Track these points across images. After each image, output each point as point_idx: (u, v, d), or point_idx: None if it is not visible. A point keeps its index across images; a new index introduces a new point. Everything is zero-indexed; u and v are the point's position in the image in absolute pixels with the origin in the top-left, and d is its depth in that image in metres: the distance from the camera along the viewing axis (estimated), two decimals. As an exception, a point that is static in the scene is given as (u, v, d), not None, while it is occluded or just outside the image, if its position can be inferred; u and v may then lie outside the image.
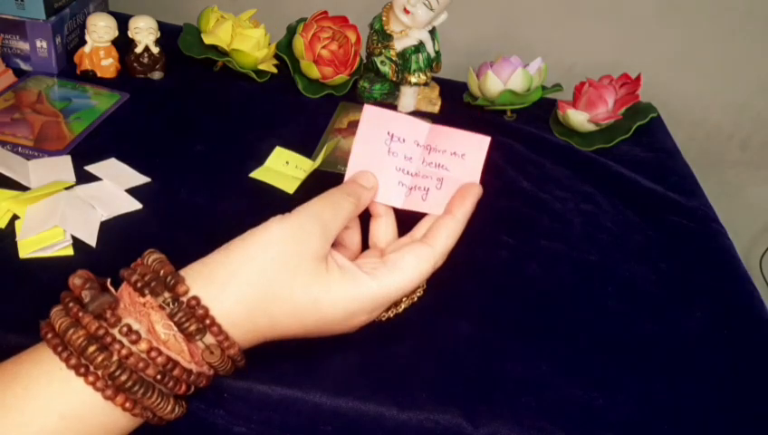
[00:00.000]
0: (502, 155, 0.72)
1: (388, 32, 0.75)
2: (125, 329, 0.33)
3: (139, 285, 0.34)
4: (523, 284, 0.54)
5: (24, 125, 0.63)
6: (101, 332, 0.33)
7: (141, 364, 0.33)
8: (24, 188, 0.54)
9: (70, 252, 0.48)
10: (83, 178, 0.56)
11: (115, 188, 0.56)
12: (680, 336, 0.51)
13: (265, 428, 0.40)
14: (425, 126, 0.43)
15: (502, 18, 0.98)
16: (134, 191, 0.56)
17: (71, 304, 0.34)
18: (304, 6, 0.82)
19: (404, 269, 0.39)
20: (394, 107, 0.79)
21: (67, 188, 0.54)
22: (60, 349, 0.32)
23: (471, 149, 0.43)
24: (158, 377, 0.33)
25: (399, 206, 0.43)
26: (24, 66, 0.73)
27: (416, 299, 0.45)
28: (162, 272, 0.35)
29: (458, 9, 0.76)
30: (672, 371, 0.48)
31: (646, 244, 0.62)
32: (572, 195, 0.68)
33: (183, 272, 0.36)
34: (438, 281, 0.48)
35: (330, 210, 0.39)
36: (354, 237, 0.44)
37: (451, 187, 0.43)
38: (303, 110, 0.75)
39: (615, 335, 0.50)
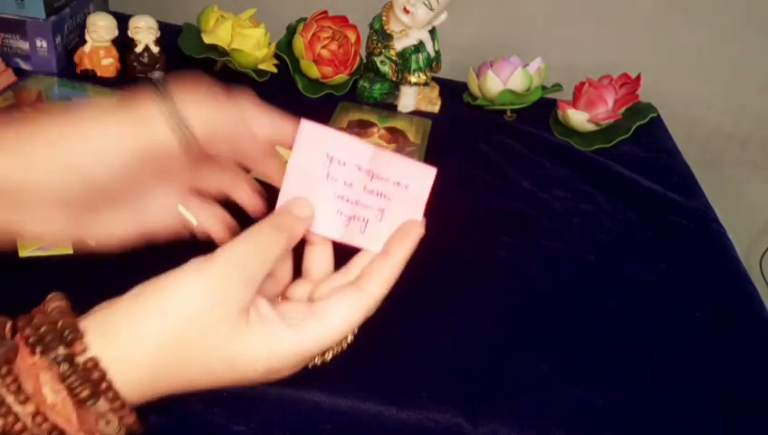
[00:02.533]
0: (502, 155, 0.72)
1: (388, 32, 0.75)
2: (14, 387, 0.29)
3: (30, 340, 0.30)
4: (522, 284, 0.54)
5: (23, 125, 0.63)
6: None
7: (24, 431, 0.28)
8: (23, 188, 0.54)
9: (69, 251, 0.48)
10: (83, 177, 0.56)
11: (115, 188, 0.56)
12: (680, 336, 0.51)
13: (265, 427, 0.40)
14: (368, 149, 0.38)
15: (502, 18, 0.98)
16: (134, 191, 0.56)
17: None
18: (304, 6, 0.82)
19: (332, 321, 0.35)
20: (394, 107, 0.79)
21: (67, 188, 0.54)
22: None
23: (415, 181, 0.38)
24: None
25: (337, 238, 0.39)
26: (23, 66, 0.73)
27: (344, 347, 0.41)
28: (60, 324, 0.30)
29: (458, 9, 0.76)
30: (672, 371, 0.48)
31: (646, 244, 0.62)
32: (572, 195, 0.68)
33: (85, 322, 0.31)
34: (438, 281, 0.48)
35: (256, 254, 0.34)
36: (284, 268, 0.40)
37: (392, 220, 0.39)
38: (303, 109, 0.75)
39: (615, 335, 0.50)
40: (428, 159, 0.69)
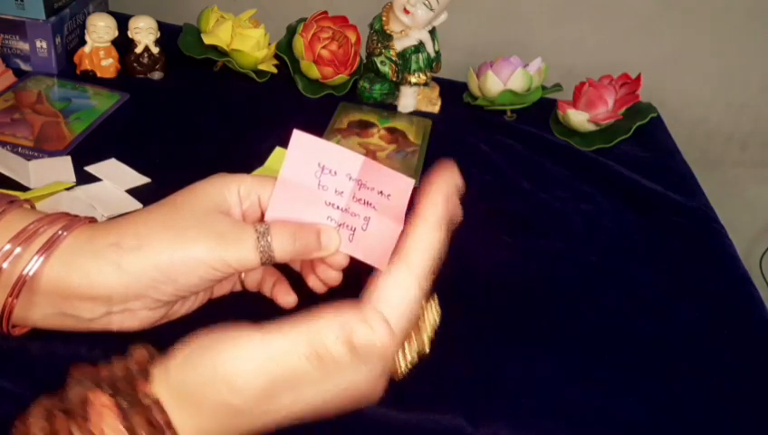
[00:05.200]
0: (502, 155, 0.72)
1: (388, 32, 0.76)
2: (83, 425, 0.29)
3: (104, 382, 0.31)
4: (523, 284, 0.54)
5: (23, 125, 0.63)
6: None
7: None
8: (24, 189, 0.54)
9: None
10: (83, 178, 0.56)
11: (115, 189, 0.56)
12: (680, 336, 0.51)
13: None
14: (358, 159, 0.39)
15: (502, 18, 0.98)
16: (134, 191, 0.56)
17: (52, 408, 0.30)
18: (304, 6, 0.82)
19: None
20: (394, 107, 0.79)
21: (67, 189, 0.54)
22: None
23: (396, 191, 0.40)
24: None
25: None
26: (23, 66, 0.73)
27: (422, 350, 0.38)
28: (134, 367, 0.32)
29: (458, 9, 0.76)
30: (672, 370, 0.48)
31: (646, 244, 0.62)
32: (572, 195, 0.68)
33: (156, 367, 0.32)
34: (438, 281, 0.48)
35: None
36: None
37: (375, 229, 0.39)
38: (303, 110, 0.75)
39: (615, 335, 0.50)
40: (428, 159, 0.69)
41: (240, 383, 0.31)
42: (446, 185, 0.36)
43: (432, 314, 0.38)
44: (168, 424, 0.30)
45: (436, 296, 0.38)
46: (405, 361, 0.37)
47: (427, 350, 0.37)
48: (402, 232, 0.37)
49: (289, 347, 0.31)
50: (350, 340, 0.32)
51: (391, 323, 0.33)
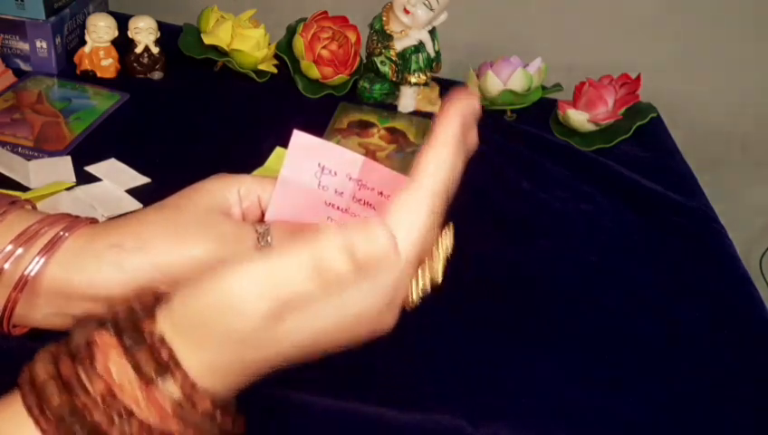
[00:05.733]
0: (502, 155, 0.72)
1: (388, 32, 0.76)
2: (89, 366, 0.29)
3: (108, 323, 0.30)
4: (523, 284, 0.54)
5: (23, 125, 0.63)
6: (73, 378, 0.29)
7: (95, 411, 0.28)
8: (24, 189, 0.54)
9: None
10: (83, 178, 0.56)
11: (115, 189, 0.56)
12: (680, 336, 0.51)
13: (264, 427, 0.40)
14: (358, 159, 0.39)
15: (502, 18, 0.98)
16: (134, 191, 0.56)
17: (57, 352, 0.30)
18: (304, 6, 0.82)
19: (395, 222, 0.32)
20: (394, 107, 0.79)
21: (68, 189, 0.54)
22: (36, 412, 0.28)
23: (396, 191, 0.38)
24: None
25: None
26: (23, 66, 0.73)
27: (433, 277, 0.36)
28: (138, 305, 0.31)
29: (458, 9, 0.76)
30: (672, 370, 0.48)
31: (646, 244, 0.62)
32: (572, 195, 0.68)
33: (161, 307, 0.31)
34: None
35: None
36: None
37: None
38: (303, 110, 0.75)
39: (615, 335, 0.50)
40: (428, 159, 0.69)
41: (245, 307, 0.29)
42: (464, 109, 0.35)
43: (446, 242, 0.37)
44: (174, 359, 0.29)
45: (451, 225, 0.36)
46: (417, 288, 0.35)
47: (440, 279, 0.35)
48: (417, 154, 0.35)
49: (292, 266, 0.30)
50: (352, 253, 0.30)
51: (402, 247, 0.31)
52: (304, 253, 0.30)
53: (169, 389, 0.29)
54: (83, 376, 0.29)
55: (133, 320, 0.30)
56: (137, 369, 0.29)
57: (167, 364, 0.29)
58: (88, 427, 0.28)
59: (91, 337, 0.30)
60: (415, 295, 0.35)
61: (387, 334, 0.33)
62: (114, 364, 0.29)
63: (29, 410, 0.28)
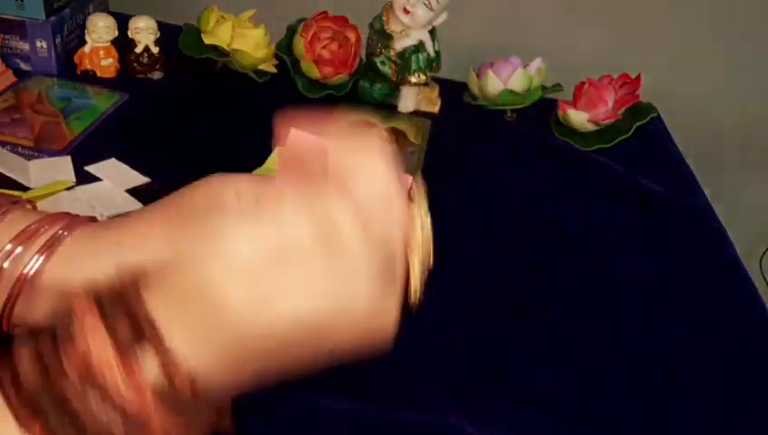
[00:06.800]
0: (502, 155, 0.72)
1: (388, 32, 0.75)
2: (68, 339, 0.27)
3: (91, 296, 0.28)
4: (522, 285, 0.54)
5: (23, 125, 0.63)
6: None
7: (66, 382, 0.26)
8: (24, 189, 0.54)
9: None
10: (83, 178, 0.56)
11: (115, 189, 0.56)
12: (680, 336, 0.51)
13: (265, 427, 0.40)
14: None
15: (502, 18, 0.98)
16: (134, 191, 0.56)
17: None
18: (304, 6, 0.82)
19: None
20: (394, 107, 0.79)
21: (67, 189, 0.54)
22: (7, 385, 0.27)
23: None
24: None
25: None
26: (23, 66, 0.73)
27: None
28: (120, 276, 0.29)
29: (458, 9, 0.76)
30: (672, 371, 0.48)
31: (646, 244, 0.62)
32: (572, 195, 0.68)
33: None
34: (438, 282, 0.48)
35: None
36: None
37: None
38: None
39: (615, 336, 0.50)
40: (428, 158, 0.69)
41: (228, 278, 0.27)
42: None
43: (425, 222, 0.34)
44: (157, 333, 0.27)
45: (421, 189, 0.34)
46: (414, 272, 0.33)
47: (431, 260, 0.34)
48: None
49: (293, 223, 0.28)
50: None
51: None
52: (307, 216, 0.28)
53: (149, 366, 0.27)
54: (61, 350, 0.26)
55: (117, 295, 0.28)
56: (116, 341, 0.27)
57: (148, 338, 0.27)
58: (60, 402, 0.26)
59: (70, 309, 0.28)
60: (415, 282, 0.33)
61: (390, 338, 0.32)
62: (91, 331, 0.27)
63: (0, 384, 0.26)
